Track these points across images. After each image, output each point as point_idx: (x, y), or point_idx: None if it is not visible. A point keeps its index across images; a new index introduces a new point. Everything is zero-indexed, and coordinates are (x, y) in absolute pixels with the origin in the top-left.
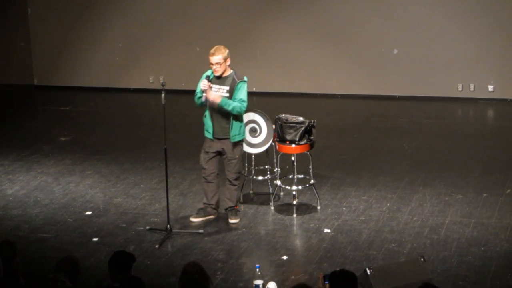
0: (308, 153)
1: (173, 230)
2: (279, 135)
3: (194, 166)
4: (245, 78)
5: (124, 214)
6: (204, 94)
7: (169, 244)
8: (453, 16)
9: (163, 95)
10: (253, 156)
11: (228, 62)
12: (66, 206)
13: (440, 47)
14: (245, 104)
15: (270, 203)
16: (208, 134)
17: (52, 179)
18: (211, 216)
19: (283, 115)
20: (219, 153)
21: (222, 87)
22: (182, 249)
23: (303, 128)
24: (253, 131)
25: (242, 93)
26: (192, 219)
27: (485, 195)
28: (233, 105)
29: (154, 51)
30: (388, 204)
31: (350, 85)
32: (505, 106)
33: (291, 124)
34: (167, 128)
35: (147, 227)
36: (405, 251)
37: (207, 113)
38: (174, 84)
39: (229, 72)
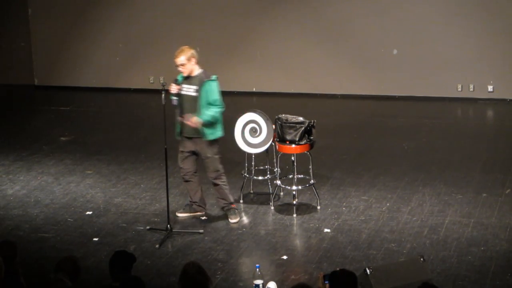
0: (308, 153)
1: (173, 230)
2: (279, 135)
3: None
4: (213, 77)
5: (125, 214)
6: (175, 98)
7: (169, 244)
8: (453, 16)
9: (163, 95)
10: (253, 156)
11: (193, 62)
12: (67, 206)
13: (440, 47)
14: (218, 105)
15: (270, 203)
16: (176, 134)
17: (52, 179)
18: (198, 213)
19: (283, 115)
20: (194, 153)
21: (190, 86)
22: (182, 249)
23: (303, 128)
24: (253, 131)
25: (213, 94)
26: (178, 214)
27: (484, 195)
28: (210, 115)
29: (154, 51)
30: (388, 204)
31: (350, 85)
32: (504, 106)
33: (291, 124)
34: (167, 128)
35: (147, 227)
36: (404, 251)
37: (178, 113)
38: None
39: (197, 71)
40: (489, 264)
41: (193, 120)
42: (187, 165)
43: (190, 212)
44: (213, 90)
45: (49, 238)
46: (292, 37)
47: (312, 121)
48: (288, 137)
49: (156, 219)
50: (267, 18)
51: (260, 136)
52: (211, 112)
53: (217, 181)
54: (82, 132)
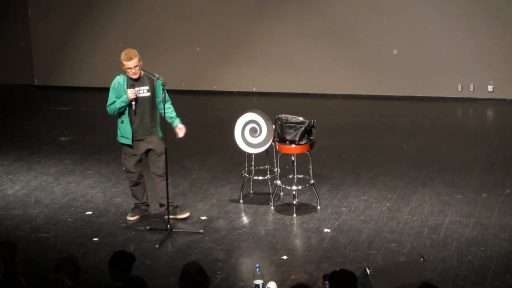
0: (308, 153)
1: (173, 230)
2: (279, 135)
3: (194, 166)
4: (157, 75)
5: (125, 214)
6: (134, 102)
7: (169, 244)
8: (453, 16)
9: (163, 95)
10: (253, 156)
11: (141, 63)
12: (67, 206)
13: (440, 47)
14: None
15: (270, 203)
16: (127, 140)
17: (52, 179)
18: (146, 213)
19: (283, 115)
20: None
21: (141, 88)
22: (182, 249)
23: (303, 128)
24: (253, 131)
25: (163, 92)
26: (129, 218)
27: (484, 195)
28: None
29: (154, 51)
30: (388, 204)
31: (350, 85)
32: (504, 106)
33: (291, 124)
34: (167, 128)
35: (147, 227)
36: (404, 251)
37: (125, 118)
38: (174, 84)
39: (141, 72)
40: (489, 264)
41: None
42: (138, 169)
43: (140, 214)
44: (161, 88)
45: (49, 238)
46: (292, 37)
47: (312, 121)
48: (288, 137)
49: (156, 219)
50: (267, 18)
51: (260, 136)
52: (173, 111)
53: (166, 176)
54: (82, 132)
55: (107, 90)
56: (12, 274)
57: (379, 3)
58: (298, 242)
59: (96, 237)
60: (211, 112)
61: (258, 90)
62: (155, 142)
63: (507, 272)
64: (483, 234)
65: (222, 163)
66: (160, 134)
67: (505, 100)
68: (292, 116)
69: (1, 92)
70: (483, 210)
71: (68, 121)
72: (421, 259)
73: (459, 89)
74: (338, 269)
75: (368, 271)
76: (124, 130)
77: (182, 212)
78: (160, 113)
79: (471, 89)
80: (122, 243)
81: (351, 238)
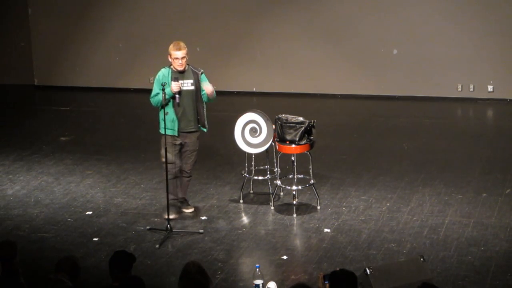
0: (308, 153)
1: (173, 230)
2: (279, 135)
3: (194, 166)
4: (201, 69)
5: (125, 214)
6: (178, 95)
7: (169, 244)
8: (453, 16)
9: (163, 95)
10: (253, 156)
11: (188, 56)
12: (67, 206)
13: (440, 47)
14: None
15: (270, 203)
16: (172, 132)
17: (52, 179)
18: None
19: (283, 115)
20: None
21: (186, 81)
22: (182, 249)
23: (303, 128)
24: (253, 131)
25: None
26: (186, 210)
27: (484, 195)
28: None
29: (154, 51)
30: (387, 204)
31: (350, 85)
32: (504, 106)
33: (291, 124)
34: (167, 128)
35: (148, 227)
36: (404, 251)
37: (170, 110)
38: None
39: (186, 65)
40: (489, 264)
41: (212, 90)
42: (178, 160)
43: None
44: (207, 79)
45: (49, 238)
46: (292, 37)
47: (312, 121)
48: (288, 137)
49: (156, 219)
50: (267, 18)
51: (260, 136)
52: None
53: (191, 173)
54: (82, 132)
55: (107, 90)
56: (12, 274)
57: (379, 3)
58: (298, 242)
59: (96, 237)
60: (211, 112)
61: (258, 90)
62: (192, 138)
63: (507, 272)
64: (483, 234)
65: (222, 163)
66: (204, 128)
67: (505, 100)
68: (292, 116)
69: (1, 92)
70: (483, 210)
71: (68, 121)
72: (421, 259)
73: (459, 89)
74: (338, 269)
75: (368, 271)
76: (169, 122)
77: (188, 207)
78: (205, 105)
79: (471, 89)
80: (122, 243)
81: (351, 238)
